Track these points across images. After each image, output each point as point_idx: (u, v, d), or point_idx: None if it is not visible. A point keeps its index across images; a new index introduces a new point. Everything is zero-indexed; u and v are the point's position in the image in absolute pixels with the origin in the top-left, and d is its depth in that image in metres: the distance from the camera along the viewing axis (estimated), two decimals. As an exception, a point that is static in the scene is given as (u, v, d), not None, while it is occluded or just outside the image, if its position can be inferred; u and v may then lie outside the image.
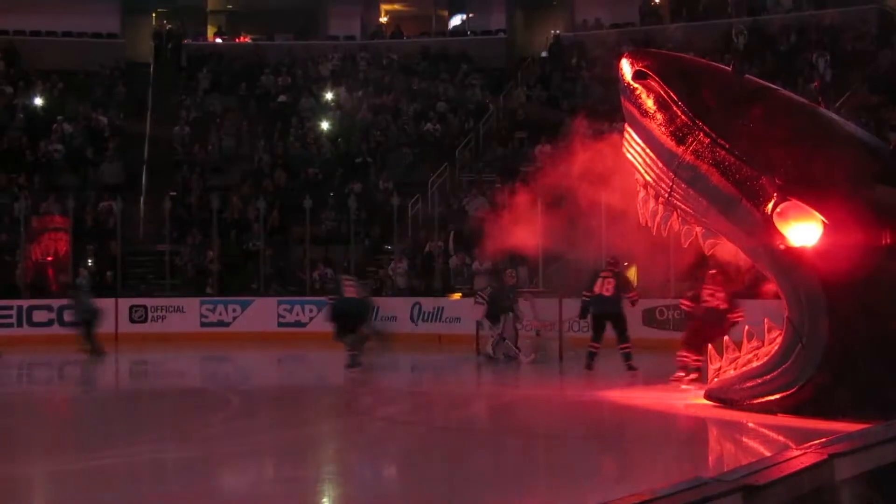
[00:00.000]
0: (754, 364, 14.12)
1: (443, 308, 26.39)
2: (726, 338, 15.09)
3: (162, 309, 27.67)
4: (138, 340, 26.56)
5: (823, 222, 12.89)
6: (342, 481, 11.25)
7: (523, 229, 21.76)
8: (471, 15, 42.49)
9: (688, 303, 17.53)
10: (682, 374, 17.01)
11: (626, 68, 15.19)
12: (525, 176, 30.79)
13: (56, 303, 27.42)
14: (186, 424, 14.56)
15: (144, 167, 34.55)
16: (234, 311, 27.95)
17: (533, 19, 42.59)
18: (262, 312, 27.90)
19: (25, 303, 27.65)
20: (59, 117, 34.40)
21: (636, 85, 14.89)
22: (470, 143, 35.00)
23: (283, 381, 21.96)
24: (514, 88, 37.17)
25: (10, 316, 27.33)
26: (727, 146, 13.73)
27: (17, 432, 14.45)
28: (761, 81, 15.96)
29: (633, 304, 19.93)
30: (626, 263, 25.48)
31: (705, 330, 16.59)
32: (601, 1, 39.71)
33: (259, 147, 34.54)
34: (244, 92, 37.29)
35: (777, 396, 13.51)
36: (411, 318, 26.66)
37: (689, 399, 15.43)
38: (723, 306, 16.80)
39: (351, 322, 20.21)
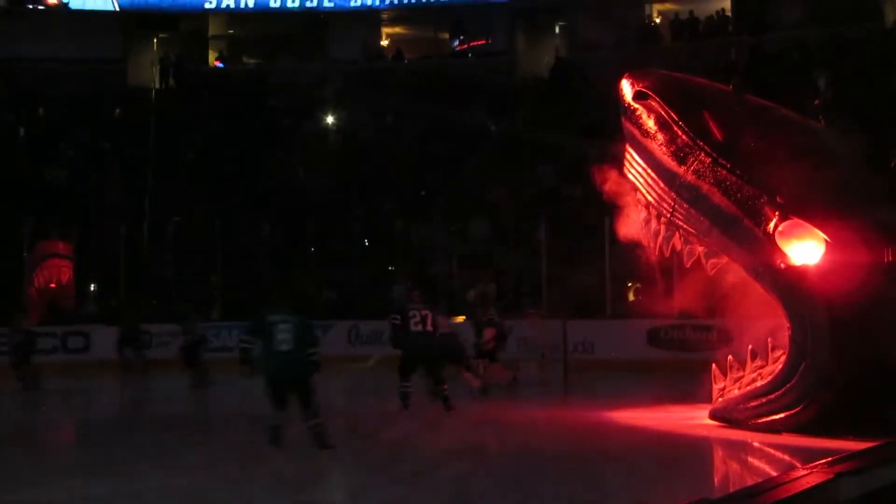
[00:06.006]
0: (759, 383, 14.09)
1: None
2: (730, 357, 15.04)
3: (166, 334, 27.44)
4: (141, 366, 26.36)
5: (825, 241, 12.87)
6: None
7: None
8: (473, 43, 42.47)
9: None
10: None
11: (627, 89, 15.23)
12: (528, 197, 30.89)
13: (61, 329, 27.39)
14: (191, 450, 14.53)
15: (148, 192, 34.61)
16: (239, 335, 27.73)
17: (534, 41, 42.60)
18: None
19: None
20: (63, 143, 34.47)
21: (637, 105, 14.93)
22: (473, 166, 35.00)
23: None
24: (517, 110, 37.20)
25: (14, 342, 27.24)
26: (728, 165, 13.74)
27: (21, 460, 14.40)
28: (762, 100, 16.00)
29: None
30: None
31: None
32: (602, 22, 39.74)
33: (262, 171, 34.57)
34: (247, 116, 37.36)
35: (782, 415, 13.48)
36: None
37: (694, 419, 15.40)
38: None
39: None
